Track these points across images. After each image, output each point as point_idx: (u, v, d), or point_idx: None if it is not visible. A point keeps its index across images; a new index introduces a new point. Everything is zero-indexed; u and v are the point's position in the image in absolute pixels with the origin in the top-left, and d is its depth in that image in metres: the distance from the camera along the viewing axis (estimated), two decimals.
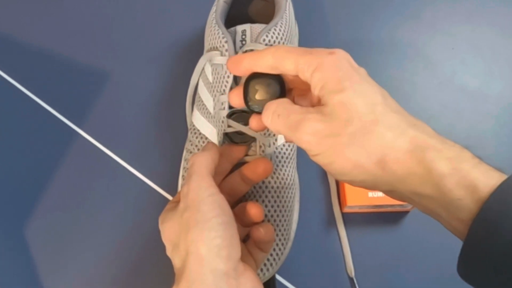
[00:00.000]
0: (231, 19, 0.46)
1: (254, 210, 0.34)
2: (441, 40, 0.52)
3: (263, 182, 0.39)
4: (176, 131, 0.48)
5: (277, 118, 0.29)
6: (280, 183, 0.40)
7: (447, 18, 0.53)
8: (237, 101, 0.33)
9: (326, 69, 0.27)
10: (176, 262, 0.30)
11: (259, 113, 0.31)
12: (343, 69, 0.27)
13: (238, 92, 0.33)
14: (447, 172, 0.25)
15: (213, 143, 0.36)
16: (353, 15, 0.54)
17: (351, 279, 0.41)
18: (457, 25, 0.53)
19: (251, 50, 0.38)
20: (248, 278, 0.29)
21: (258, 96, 0.31)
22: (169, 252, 0.32)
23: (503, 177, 0.24)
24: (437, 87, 0.49)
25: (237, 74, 0.33)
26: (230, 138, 0.39)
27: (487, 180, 0.24)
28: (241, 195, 0.38)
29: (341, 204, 0.44)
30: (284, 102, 0.30)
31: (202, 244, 0.28)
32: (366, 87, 0.27)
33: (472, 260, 0.25)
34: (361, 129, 0.26)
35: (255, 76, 0.31)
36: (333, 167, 0.27)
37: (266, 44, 0.38)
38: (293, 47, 0.30)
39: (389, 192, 0.28)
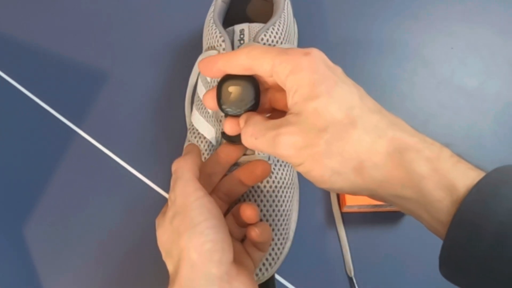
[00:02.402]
0: (230, 19, 0.46)
1: (248, 212, 0.34)
2: (440, 40, 0.52)
3: (261, 182, 0.39)
4: (175, 131, 0.48)
5: (255, 141, 0.28)
6: (278, 183, 0.40)
7: (446, 18, 0.53)
8: (211, 103, 0.32)
9: (301, 71, 0.26)
10: (170, 267, 0.30)
11: (233, 116, 0.31)
12: (319, 71, 0.27)
13: (213, 94, 0.31)
14: (426, 174, 0.24)
15: (193, 145, 0.35)
16: (352, 15, 0.54)
17: (350, 279, 0.41)
18: (456, 25, 0.53)
19: None
20: (242, 282, 0.29)
21: (231, 99, 0.30)
22: (163, 257, 0.31)
23: (481, 175, 0.24)
24: (436, 86, 0.49)
25: (210, 76, 0.31)
26: (228, 138, 0.39)
27: (465, 180, 0.24)
28: (238, 195, 0.38)
29: (340, 204, 0.44)
30: (257, 121, 0.29)
31: (193, 250, 0.28)
32: (342, 89, 0.27)
33: (451, 262, 0.24)
34: (336, 135, 0.25)
35: (228, 78, 0.30)
36: (311, 175, 0.27)
37: (264, 44, 0.38)
38: (269, 47, 0.29)
39: (370, 196, 0.27)
